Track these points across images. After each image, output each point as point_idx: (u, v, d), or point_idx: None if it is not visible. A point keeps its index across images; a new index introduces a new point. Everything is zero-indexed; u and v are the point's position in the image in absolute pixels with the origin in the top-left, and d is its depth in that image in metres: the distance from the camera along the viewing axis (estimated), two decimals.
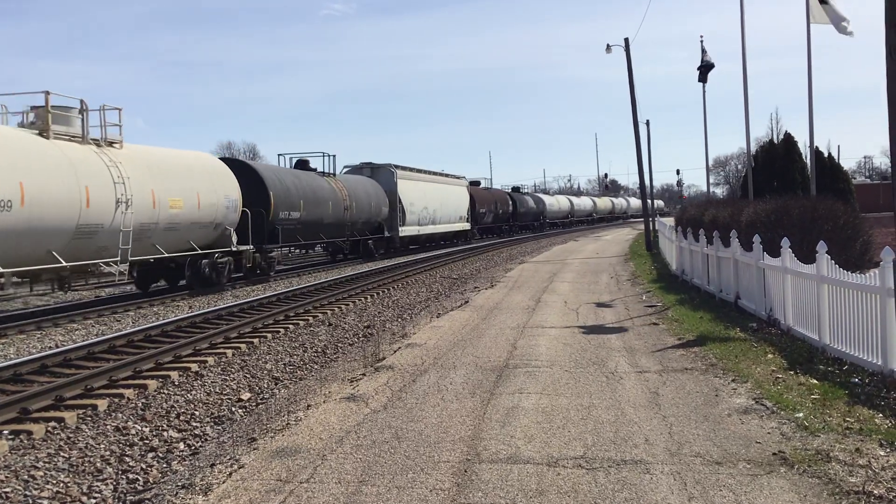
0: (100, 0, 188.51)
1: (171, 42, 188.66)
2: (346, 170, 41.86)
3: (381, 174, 41.81)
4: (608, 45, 37.99)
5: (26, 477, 7.16)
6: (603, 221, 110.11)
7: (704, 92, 33.04)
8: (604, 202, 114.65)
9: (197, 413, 9.56)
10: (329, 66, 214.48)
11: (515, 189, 78.84)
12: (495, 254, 41.73)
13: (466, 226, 54.11)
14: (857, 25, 20.94)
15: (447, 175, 52.60)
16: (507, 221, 67.18)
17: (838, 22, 20.56)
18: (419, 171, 46.97)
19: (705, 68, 29.47)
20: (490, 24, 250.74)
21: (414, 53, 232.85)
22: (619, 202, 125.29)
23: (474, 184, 62.41)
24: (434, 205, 47.10)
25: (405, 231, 42.57)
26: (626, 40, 37.70)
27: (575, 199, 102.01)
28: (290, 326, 16.00)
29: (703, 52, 29.95)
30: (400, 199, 41.66)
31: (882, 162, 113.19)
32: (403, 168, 43.93)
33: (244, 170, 27.44)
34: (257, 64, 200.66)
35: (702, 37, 31.33)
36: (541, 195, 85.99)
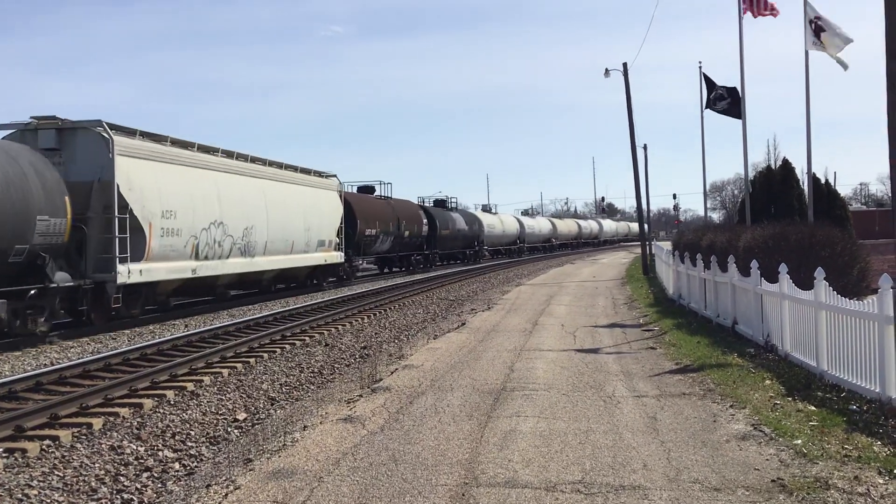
0: (101, 18, 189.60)
1: (172, 61, 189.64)
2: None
3: (75, 143, 19.08)
4: (606, 70, 38.27)
5: (20, 496, 7.10)
6: (588, 246, 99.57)
7: (703, 118, 33.20)
8: (567, 224, 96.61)
9: (192, 433, 9.51)
10: (328, 86, 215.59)
11: (440, 203, 56.08)
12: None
13: (335, 255, 33.18)
14: (854, 54, 21.23)
15: (288, 168, 30.20)
16: (420, 249, 47.62)
17: (837, 47, 20.75)
18: (191, 146, 23.47)
19: (723, 100, 29.14)
20: (488, 48, 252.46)
21: (412, 75, 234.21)
22: (588, 225, 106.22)
23: (366, 190, 43.58)
24: (238, 218, 24.72)
25: (132, 271, 19.12)
26: (625, 65, 37.99)
27: (558, 222, 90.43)
28: (287, 346, 15.96)
29: (707, 80, 30.02)
30: (125, 201, 18.99)
31: (878, 189, 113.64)
32: (134, 134, 20.63)
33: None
34: (257, 83, 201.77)
35: (700, 63, 31.49)
36: (480, 213, 65.18)
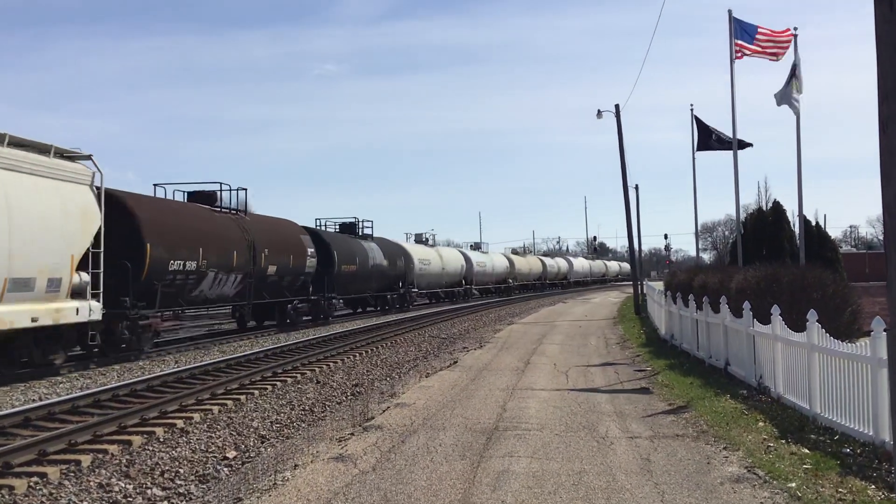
0: (93, 55, 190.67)
1: (165, 98, 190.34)
2: None
3: None
4: (599, 111, 38.65)
5: None
6: (554, 287, 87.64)
7: (694, 160, 33.48)
8: (529, 263, 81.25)
9: (182, 471, 9.41)
10: (320, 124, 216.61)
11: (348, 227, 41.16)
12: None
13: (71, 309, 17.27)
14: (844, 98, 21.79)
15: None
16: (303, 291, 31.82)
17: (789, 99, 21.62)
18: None
19: (719, 143, 29.39)
20: (480, 89, 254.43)
21: (405, 115, 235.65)
22: (555, 263, 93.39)
23: (199, 198, 27.09)
24: None
25: None
26: (617, 106, 38.35)
27: (517, 260, 75.63)
28: (278, 383, 15.86)
29: (699, 122, 30.34)
30: None
31: (867, 231, 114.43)
32: None
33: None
34: (249, 121, 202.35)
35: (692, 106, 31.85)
36: (411, 245, 50.63)
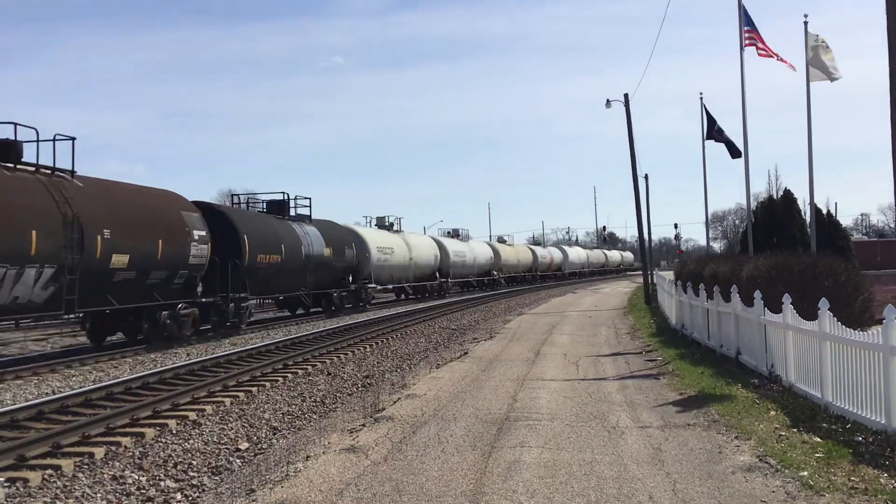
0: (102, 49, 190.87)
1: (172, 91, 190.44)
2: None
3: None
4: (608, 101, 38.48)
5: None
6: (549, 280, 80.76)
7: (704, 149, 33.35)
8: (517, 252, 71.92)
9: (194, 462, 9.46)
10: (329, 116, 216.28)
11: (274, 207, 31.61)
12: None
13: None
14: (854, 85, 21.59)
15: None
16: (188, 292, 22.91)
17: (827, 71, 21.32)
18: None
19: (721, 137, 29.39)
20: (487, 80, 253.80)
21: (413, 106, 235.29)
22: (547, 253, 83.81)
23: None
24: None
25: None
26: (626, 96, 38.20)
27: (503, 249, 66.99)
28: (289, 375, 15.92)
29: (708, 113, 30.26)
30: None
31: (879, 219, 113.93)
32: None
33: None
34: (257, 113, 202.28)
35: (701, 94, 31.71)
36: (363, 229, 41.90)
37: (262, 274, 26.85)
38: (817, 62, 21.53)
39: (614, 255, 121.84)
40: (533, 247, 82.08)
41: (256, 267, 26.22)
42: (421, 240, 50.87)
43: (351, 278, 35.76)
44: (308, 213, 33.60)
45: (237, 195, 31.57)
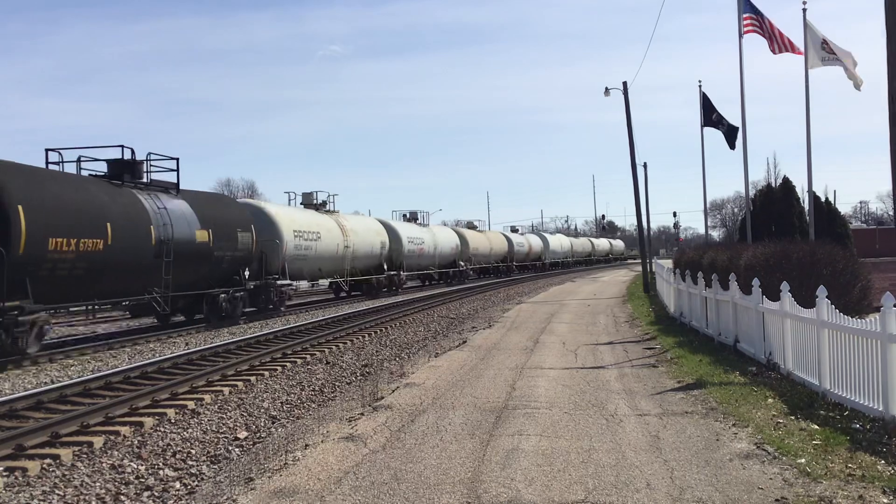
0: (99, 39, 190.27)
1: (169, 81, 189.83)
2: None
3: None
4: (607, 89, 38.43)
5: None
6: (528, 271, 73.13)
7: (703, 137, 33.30)
8: (491, 240, 63.96)
9: (193, 451, 9.47)
10: (327, 105, 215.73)
11: (116, 167, 21.18)
12: None
13: None
14: (856, 71, 21.44)
15: None
16: None
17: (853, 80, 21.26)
18: None
19: (728, 131, 29.46)
20: (486, 68, 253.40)
21: (411, 95, 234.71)
22: (524, 241, 73.69)
23: None
24: None
25: None
26: (625, 84, 38.13)
27: (471, 236, 58.67)
28: (288, 364, 15.93)
29: (706, 100, 30.23)
30: None
31: (878, 207, 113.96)
32: None
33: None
34: (255, 103, 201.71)
35: (700, 82, 31.64)
36: (266, 201, 35.60)
37: (60, 270, 17.34)
38: (830, 58, 21.51)
39: (602, 243, 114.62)
40: (508, 234, 71.76)
41: (46, 259, 16.84)
42: (362, 223, 40.25)
43: (248, 273, 26.05)
44: (175, 181, 23.17)
45: (55, 150, 20.20)
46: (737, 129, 28.49)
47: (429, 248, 48.82)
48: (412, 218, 52.69)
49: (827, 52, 21.43)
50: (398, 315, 27.33)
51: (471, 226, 64.15)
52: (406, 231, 45.14)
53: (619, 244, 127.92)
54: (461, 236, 56.36)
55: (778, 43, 23.07)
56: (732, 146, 28.59)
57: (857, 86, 21.54)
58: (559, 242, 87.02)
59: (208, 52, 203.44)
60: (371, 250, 39.00)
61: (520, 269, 71.86)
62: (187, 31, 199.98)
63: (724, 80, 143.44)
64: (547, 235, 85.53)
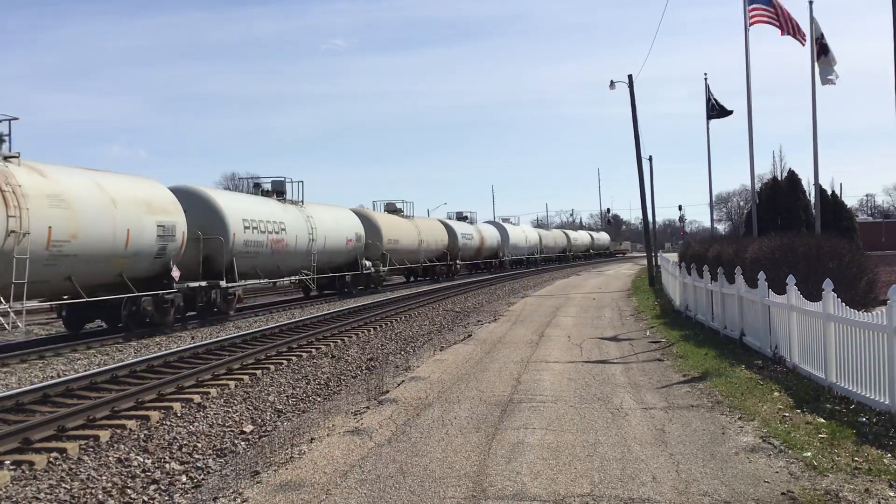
0: (103, 33, 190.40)
1: (173, 75, 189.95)
2: None
3: None
4: (612, 82, 38.25)
5: None
6: (482, 271, 60.15)
7: (708, 130, 33.22)
8: (429, 229, 48.79)
9: (199, 445, 9.50)
10: (330, 99, 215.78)
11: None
12: None
13: None
14: (859, 65, 21.50)
15: None
16: None
17: (825, 75, 21.33)
18: None
19: (720, 112, 29.60)
20: (490, 62, 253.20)
21: (415, 89, 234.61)
22: (476, 234, 57.09)
23: None
24: None
25: None
26: (630, 77, 37.97)
27: (395, 224, 42.81)
28: (293, 358, 15.94)
29: (710, 94, 30.20)
30: None
31: (884, 200, 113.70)
32: None
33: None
34: (259, 97, 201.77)
35: (706, 75, 31.58)
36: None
37: None
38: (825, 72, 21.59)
39: (580, 236, 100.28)
40: (451, 222, 54.18)
41: None
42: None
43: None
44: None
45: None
46: (730, 112, 28.98)
47: (290, 245, 33.33)
48: (277, 192, 37.02)
49: (820, 54, 21.52)
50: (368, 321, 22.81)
51: (391, 208, 47.92)
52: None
53: (601, 237, 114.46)
54: (370, 223, 39.37)
55: (785, 25, 22.98)
56: (726, 112, 29.18)
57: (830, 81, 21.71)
58: (523, 235, 70.68)
59: (212, 46, 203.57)
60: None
61: (472, 268, 59.16)
62: (190, 25, 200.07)
63: (731, 72, 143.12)
64: (508, 226, 68.41)
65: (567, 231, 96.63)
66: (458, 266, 50.24)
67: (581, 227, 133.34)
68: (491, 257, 61.39)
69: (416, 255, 45.46)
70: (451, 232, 51.58)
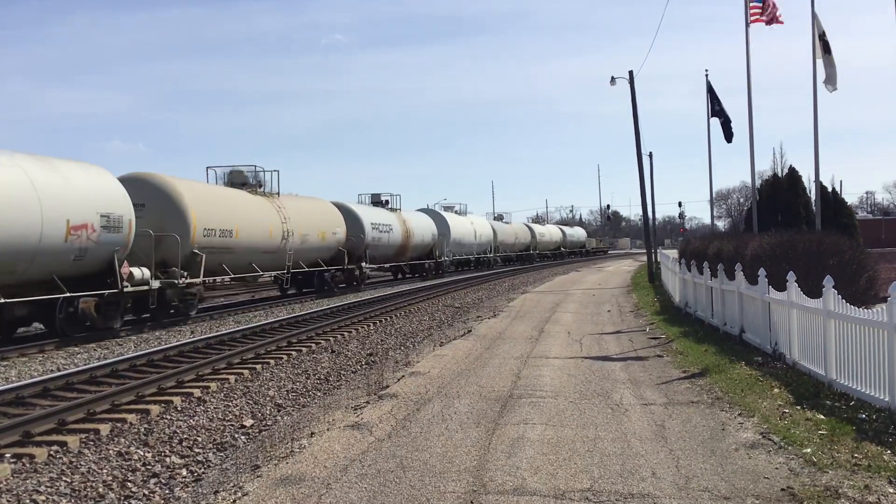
0: (104, 29, 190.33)
1: (173, 71, 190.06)
2: None
3: None
4: (612, 78, 38.24)
5: (28, 501, 7.11)
6: (402, 281, 43.94)
7: (709, 127, 33.17)
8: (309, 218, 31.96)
9: (199, 439, 9.51)
10: (331, 95, 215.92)
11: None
12: None
13: None
14: (860, 63, 21.52)
15: None
16: None
17: (829, 77, 21.28)
18: None
19: (720, 116, 29.58)
20: (490, 58, 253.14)
21: (415, 85, 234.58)
22: (397, 226, 41.89)
23: None
24: None
25: None
26: (631, 73, 37.95)
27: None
28: (293, 353, 15.95)
29: (712, 90, 30.18)
30: None
31: (884, 197, 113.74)
32: None
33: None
34: (259, 92, 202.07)
35: (707, 71, 31.56)
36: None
37: None
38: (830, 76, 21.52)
39: (549, 232, 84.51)
40: (351, 205, 38.23)
41: None
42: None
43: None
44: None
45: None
46: (730, 121, 28.85)
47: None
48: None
49: (823, 51, 21.46)
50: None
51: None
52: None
53: (576, 233, 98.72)
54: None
55: (770, 16, 23.01)
56: (729, 139, 28.86)
57: (831, 88, 21.63)
58: (471, 229, 55.08)
59: (211, 42, 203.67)
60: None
61: (405, 271, 47.23)
62: (190, 21, 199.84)
63: (732, 69, 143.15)
64: (450, 215, 52.45)
65: (532, 225, 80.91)
66: (367, 271, 37.85)
67: (581, 223, 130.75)
68: (422, 257, 46.37)
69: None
70: (351, 220, 36.27)
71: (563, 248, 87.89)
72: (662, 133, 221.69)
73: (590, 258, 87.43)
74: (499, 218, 69.26)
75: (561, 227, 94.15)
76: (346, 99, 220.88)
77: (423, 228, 46.56)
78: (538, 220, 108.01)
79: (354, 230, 36.02)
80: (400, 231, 42.32)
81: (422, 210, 51.92)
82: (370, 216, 38.94)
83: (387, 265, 43.49)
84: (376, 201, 44.32)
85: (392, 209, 44.32)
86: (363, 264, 36.75)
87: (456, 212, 56.63)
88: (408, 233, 43.38)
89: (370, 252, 37.73)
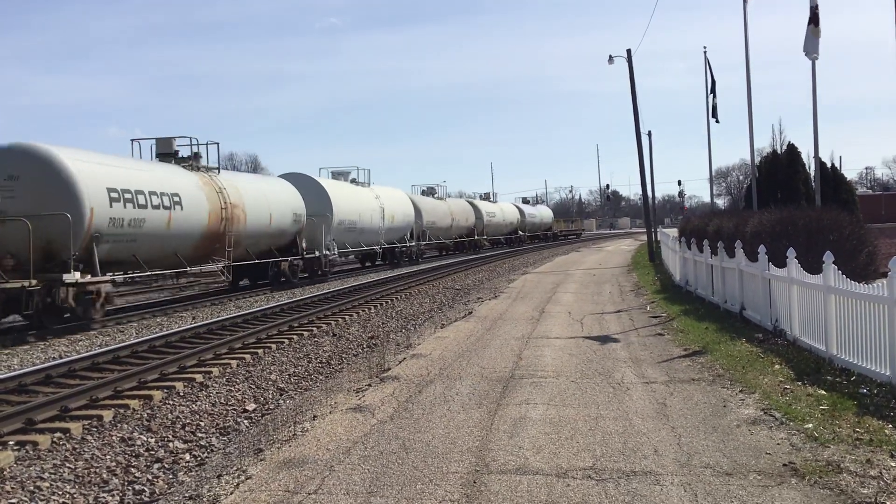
0: (97, 14, 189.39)
1: (168, 55, 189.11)
2: None
3: None
4: (610, 57, 38.06)
5: (32, 488, 7.13)
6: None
7: (708, 104, 33.06)
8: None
9: (202, 424, 9.53)
10: (327, 77, 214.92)
11: None
12: None
13: None
14: (858, 37, 21.26)
15: None
16: None
17: (810, 47, 21.05)
18: None
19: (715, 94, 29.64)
20: (487, 38, 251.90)
21: (412, 66, 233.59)
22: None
23: None
24: None
25: None
26: (629, 51, 37.77)
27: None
28: (294, 337, 15.97)
29: (710, 70, 30.12)
30: None
31: (884, 172, 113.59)
32: None
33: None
34: (255, 76, 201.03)
35: (705, 48, 31.41)
36: None
37: None
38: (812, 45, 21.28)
39: (504, 212, 67.84)
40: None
41: None
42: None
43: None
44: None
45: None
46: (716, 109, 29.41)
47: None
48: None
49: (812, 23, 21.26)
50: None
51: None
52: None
53: (541, 212, 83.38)
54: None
55: None
56: (716, 118, 29.23)
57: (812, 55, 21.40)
58: (377, 205, 38.44)
59: (204, 25, 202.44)
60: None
61: (265, 268, 29.06)
62: (183, 4, 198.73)
63: (730, 46, 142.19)
64: (333, 184, 35.83)
65: (476, 202, 61.71)
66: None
67: (580, 203, 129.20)
68: (284, 251, 28.93)
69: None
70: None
71: (521, 232, 72.38)
72: (662, 111, 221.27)
73: (558, 243, 74.01)
74: (486, 197, 60.41)
75: (519, 206, 75.98)
76: (342, 81, 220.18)
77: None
78: (538, 200, 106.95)
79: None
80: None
81: (286, 175, 33.29)
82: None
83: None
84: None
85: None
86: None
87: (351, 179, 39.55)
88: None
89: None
